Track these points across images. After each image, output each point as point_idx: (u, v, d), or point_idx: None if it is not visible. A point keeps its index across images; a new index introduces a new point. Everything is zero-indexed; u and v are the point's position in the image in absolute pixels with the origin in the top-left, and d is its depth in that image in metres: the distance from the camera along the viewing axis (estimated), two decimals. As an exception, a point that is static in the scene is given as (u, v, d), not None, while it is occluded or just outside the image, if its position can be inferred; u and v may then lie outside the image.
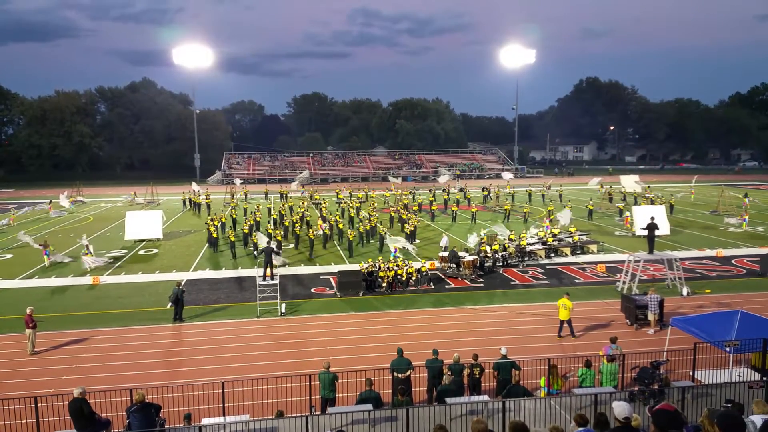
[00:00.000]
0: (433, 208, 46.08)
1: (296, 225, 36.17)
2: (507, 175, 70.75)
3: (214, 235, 34.23)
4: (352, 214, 41.43)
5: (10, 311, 21.68)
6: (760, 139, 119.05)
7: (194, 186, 61.39)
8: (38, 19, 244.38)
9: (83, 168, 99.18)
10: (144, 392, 10.99)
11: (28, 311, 17.72)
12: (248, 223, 36.55)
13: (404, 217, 37.93)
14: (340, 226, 36.88)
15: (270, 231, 33.63)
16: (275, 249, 24.59)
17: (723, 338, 12.98)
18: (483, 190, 58.81)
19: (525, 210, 44.99)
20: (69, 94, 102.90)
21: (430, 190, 56.18)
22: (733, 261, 29.36)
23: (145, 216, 37.26)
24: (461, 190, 57.30)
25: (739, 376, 13.39)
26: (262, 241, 28.14)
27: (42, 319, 18.91)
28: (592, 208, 44.38)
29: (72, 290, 25.35)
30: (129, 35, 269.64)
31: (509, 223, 40.87)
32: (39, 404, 11.26)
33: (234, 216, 41.82)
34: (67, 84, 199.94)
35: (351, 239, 32.35)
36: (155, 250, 33.97)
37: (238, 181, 72.32)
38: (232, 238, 32.55)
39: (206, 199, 51.77)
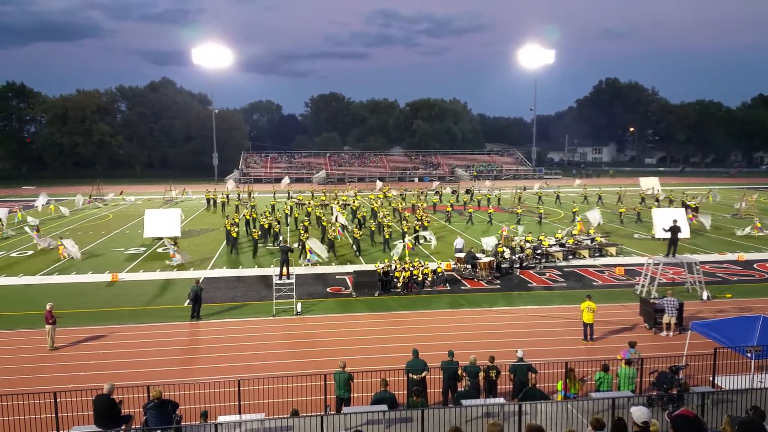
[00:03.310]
0: (448, 209, 45.85)
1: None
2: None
3: (233, 234, 34.45)
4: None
5: (30, 307, 22.01)
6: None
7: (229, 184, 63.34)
8: (63, 20, 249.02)
9: (103, 166, 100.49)
10: (161, 389, 11.10)
11: (47, 307, 17.95)
12: (268, 220, 36.75)
13: (419, 217, 37.84)
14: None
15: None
16: (290, 248, 24.70)
17: (744, 343, 12.74)
18: (466, 192, 58.58)
19: (518, 211, 44.73)
20: (90, 92, 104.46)
21: (426, 191, 55.92)
22: (755, 265, 28.84)
23: (163, 214, 37.57)
24: (468, 191, 57.22)
25: (761, 382, 13.15)
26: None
27: (61, 315, 19.17)
28: (576, 210, 43.43)
29: (91, 287, 25.68)
30: (150, 35, 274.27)
31: (524, 225, 40.50)
32: (58, 399, 11.40)
33: (253, 215, 42.03)
34: (88, 83, 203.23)
35: (332, 239, 32.45)
36: (173, 248, 34.23)
37: (287, 179, 71.60)
38: (255, 236, 32.54)
39: (228, 199, 53.14)
